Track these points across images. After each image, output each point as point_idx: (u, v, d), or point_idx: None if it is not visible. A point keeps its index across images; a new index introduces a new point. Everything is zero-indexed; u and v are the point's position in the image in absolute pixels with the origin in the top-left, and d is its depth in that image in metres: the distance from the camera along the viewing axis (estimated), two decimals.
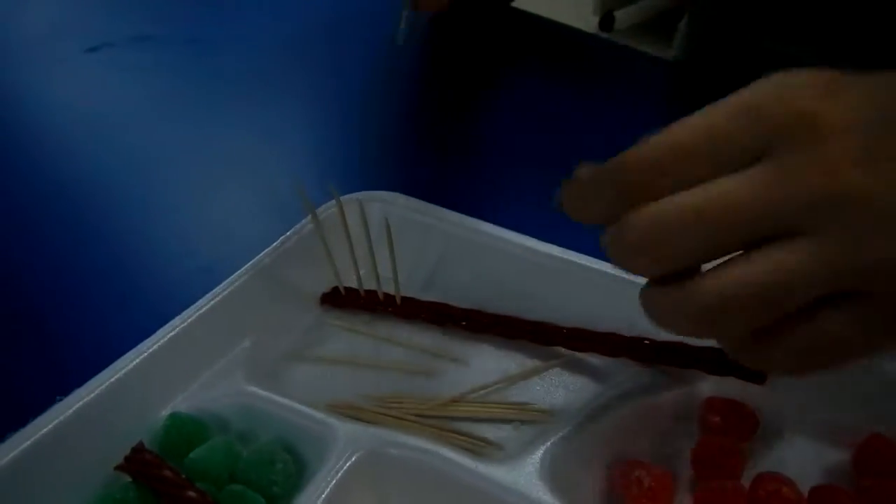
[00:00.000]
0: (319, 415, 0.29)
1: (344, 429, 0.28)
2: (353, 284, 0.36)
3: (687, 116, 0.20)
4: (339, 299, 0.36)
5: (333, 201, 0.36)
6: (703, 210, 0.19)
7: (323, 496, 0.26)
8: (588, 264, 0.34)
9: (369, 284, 0.36)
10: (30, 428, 0.27)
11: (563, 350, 0.34)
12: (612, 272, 0.33)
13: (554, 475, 0.27)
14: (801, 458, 0.29)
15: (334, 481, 0.26)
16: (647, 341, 0.32)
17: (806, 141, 0.19)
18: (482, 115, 0.53)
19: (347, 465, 0.27)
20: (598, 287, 0.33)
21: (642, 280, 0.22)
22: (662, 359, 0.31)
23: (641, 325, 0.31)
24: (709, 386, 0.31)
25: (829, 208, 0.18)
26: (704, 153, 0.20)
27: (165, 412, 0.29)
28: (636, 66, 0.59)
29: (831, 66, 0.20)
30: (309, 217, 0.36)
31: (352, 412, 0.31)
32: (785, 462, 0.29)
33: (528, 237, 0.35)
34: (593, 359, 0.33)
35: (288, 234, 0.36)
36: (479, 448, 0.30)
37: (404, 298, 0.36)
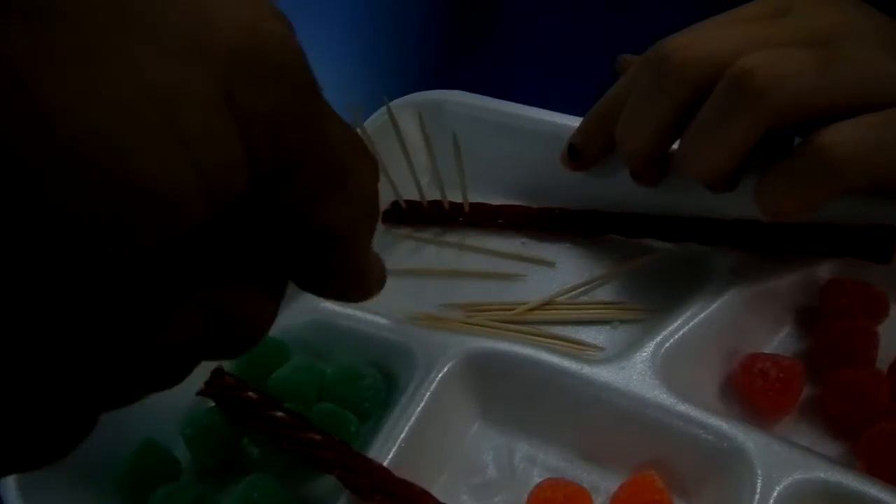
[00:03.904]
0: (402, 326, 0.27)
1: (430, 339, 0.26)
2: (415, 196, 0.33)
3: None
4: (402, 215, 0.34)
5: (384, 108, 0.33)
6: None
7: (419, 409, 0.24)
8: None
9: (432, 195, 0.33)
10: None
11: (654, 242, 0.31)
12: None
13: (667, 372, 0.24)
14: None
15: (428, 393, 0.25)
16: (749, 224, 0.28)
17: None
18: (531, 3, 0.49)
19: (440, 375, 0.25)
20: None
21: None
22: (770, 243, 0.28)
23: (734, 211, 0.28)
24: (823, 269, 0.28)
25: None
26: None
27: None
28: None
29: None
30: (364, 125, 0.33)
31: (434, 322, 0.29)
32: None
33: None
34: (689, 248, 0.30)
35: None
36: (579, 351, 0.27)
37: (473, 205, 0.33)
